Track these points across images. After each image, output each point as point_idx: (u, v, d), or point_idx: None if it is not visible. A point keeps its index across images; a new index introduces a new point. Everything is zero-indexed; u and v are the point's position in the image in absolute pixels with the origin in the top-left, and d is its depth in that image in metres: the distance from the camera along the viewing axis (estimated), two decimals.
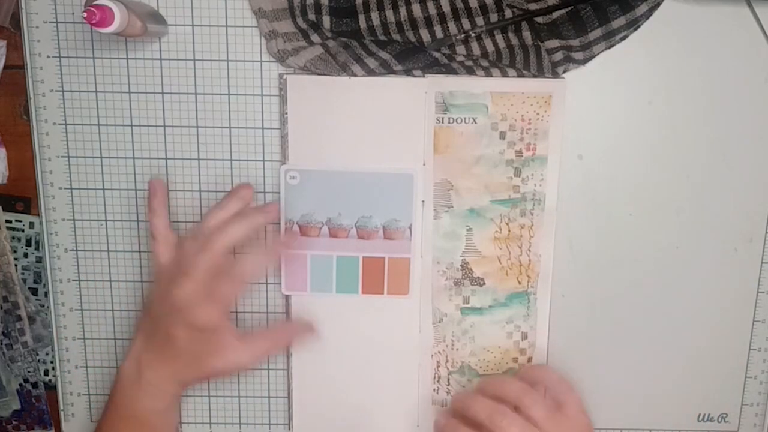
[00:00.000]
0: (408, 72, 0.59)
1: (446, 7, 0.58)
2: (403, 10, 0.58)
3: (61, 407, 0.67)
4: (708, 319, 0.65)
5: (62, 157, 0.62)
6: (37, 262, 0.64)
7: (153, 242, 0.59)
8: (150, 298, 0.60)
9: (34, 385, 0.66)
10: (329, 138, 0.60)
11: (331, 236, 0.62)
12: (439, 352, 0.65)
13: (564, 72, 0.60)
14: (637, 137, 0.61)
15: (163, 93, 0.61)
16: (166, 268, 0.58)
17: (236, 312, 0.65)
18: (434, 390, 0.65)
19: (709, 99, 0.61)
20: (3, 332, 0.64)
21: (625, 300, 0.64)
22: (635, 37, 0.59)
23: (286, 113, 0.60)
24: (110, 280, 0.64)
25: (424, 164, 0.61)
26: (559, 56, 0.59)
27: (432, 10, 0.58)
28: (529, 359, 0.65)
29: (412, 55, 0.58)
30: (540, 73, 0.59)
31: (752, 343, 0.65)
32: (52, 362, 0.66)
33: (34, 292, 0.65)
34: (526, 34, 0.59)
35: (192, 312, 0.55)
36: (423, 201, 0.62)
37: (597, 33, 0.58)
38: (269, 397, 0.66)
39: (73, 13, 0.59)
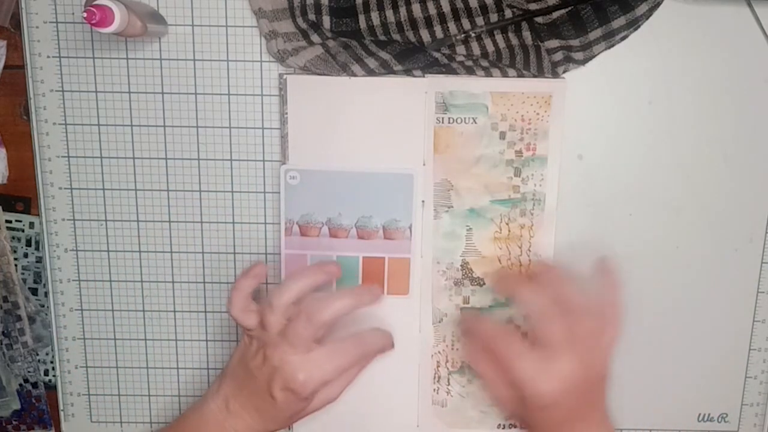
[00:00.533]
0: (408, 72, 0.59)
1: (446, 7, 0.58)
2: (403, 10, 0.58)
3: (61, 407, 0.67)
4: (708, 319, 0.65)
5: (62, 157, 0.62)
6: (37, 262, 0.64)
7: (232, 309, 0.57)
8: (245, 353, 0.58)
9: (34, 385, 0.67)
10: (329, 138, 0.60)
11: (331, 236, 0.62)
12: (439, 352, 0.65)
13: (564, 72, 0.60)
14: (637, 137, 0.61)
15: (163, 93, 0.61)
16: (258, 332, 0.57)
17: None
18: (434, 390, 0.65)
19: (709, 99, 0.61)
20: (3, 332, 0.64)
21: (625, 300, 0.64)
22: (635, 37, 0.59)
23: (286, 113, 0.60)
24: (110, 280, 0.64)
25: (424, 164, 0.61)
26: (559, 56, 0.59)
27: (432, 10, 0.58)
28: None
29: (412, 55, 0.58)
30: (540, 73, 0.59)
31: (752, 343, 0.65)
32: (52, 362, 0.66)
33: (34, 292, 0.65)
34: (526, 34, 0.59)
35: (297, 382, 0.55)
36: (423, 201, 0.62)
37: (597, 33, 0.58)
38: None
39: (73, 13, 0.59)
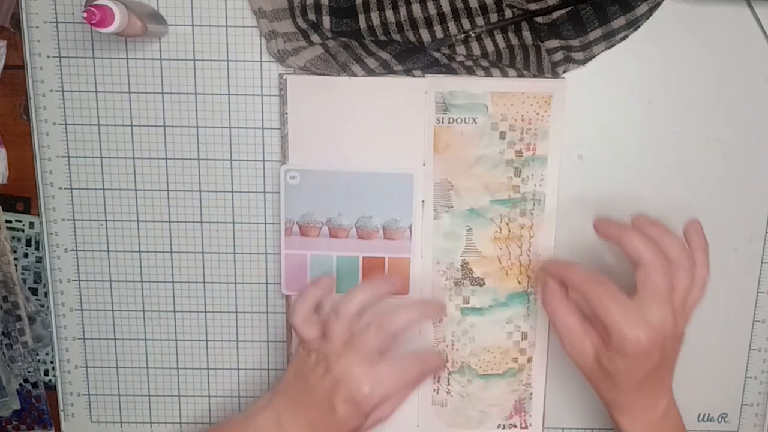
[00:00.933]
0: (408, 72, 0.59)
1: (446, 7, 0.58)
2: (403, 10, 0.58)
3: (61, 407, 0.67)
4: (708, 319, 0.65)
5: (62, 157, 0.62)
6: (37, 262, 0.64)
7: (294, 318, 0.57)
8: (303, 366, 0.57)
9: (34, 385, 0.67)
10: (329, 138, 0.60)
11: (331, 236, 0.62)
12: (439, 352, 0.65)
13: (564, 72, 0.60)
14: (637, 137, 0.61)
15: (163, 93, 0.61)
16: (317, 343, 0.56)
17: (236, 312, 0.65)
18: (434, 390, 0.65)
19: (709, 99, 0.61)
20: (3, 332, 0.64)
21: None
22: (635, 37, 0.59)
23: (286, 113, 0.60)
24: (110, 280, 0.64)
25: (424, 164, 0.61)
26: (559, 56, 0.59)
27: (432, 10, 0.58)
28: (529, 359, 0.65)
29: (412, 55, 0.58)
30: (540, 73, 0.59)
31: (752, 343, 0.65)
32: (52, 362, 0.66)
33: (34, 292, 0.65)
34: (526, 34, 0.59)
35: (361, 394, 0.54)
36: (423, 201, 0.62)
37: (597, 33, 0.58)
38: None
39: (73, 13, 0.59)
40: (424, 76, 0.59)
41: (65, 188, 0.62)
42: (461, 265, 0.63)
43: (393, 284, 0.59)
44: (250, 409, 0.58)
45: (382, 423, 0.58)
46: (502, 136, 0.60)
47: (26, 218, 0.63)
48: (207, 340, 0.66)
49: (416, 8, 0.58)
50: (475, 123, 0.60)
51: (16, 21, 0.59)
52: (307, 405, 0.56)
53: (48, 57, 0.60)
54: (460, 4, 0.58)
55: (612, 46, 0.59)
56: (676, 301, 0.53)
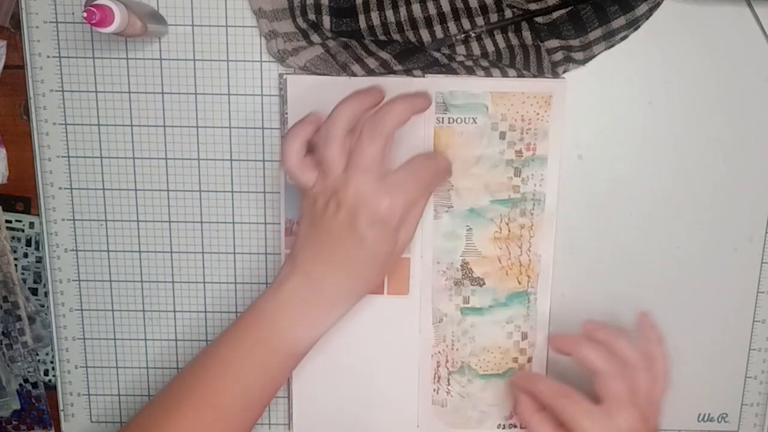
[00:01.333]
0: (408, 72, 0.59)
1: (446, 7, 0.58)
2: (403, 10, 0.58)
3: (61, 407, 0.67)
4: (708, 319, 0.65)
5: (62, 157, 0.62)
6: (37, 262, 0.64)
7: (287, 162, 0.52)
8: (313, 214, 0.53)
9: (34, 385, 0.67)
10: None
11: None
12: (439, 352, 0.65)
13: (564, 72, 0.60)
14: (637, 137, 0.61)
15: (163, 93, 0.61)
16: (319, 185, 0.52)
17: (236, 312, 0.65)
18: (434, 390, 0.65)
19: (709, 99, 0.61)
20: (3, 332, 0.64)
21: (625, 300, 0.64)
22: (635, 37, 0.59)
23: (286, 113, 0.60)
24: (110, 280, 0.64)
25: None
26: (559, 56, 0.59)
27: (432, 10, 0.58)
28: (529, 359, 0.65)
29: (412, 55, 0.58)
30: (540, 73, 0.59)
31: (752, 343, 0.65)
32: (52, 362, 0.66)
33: (34, 292, 0.65)
34: (526, 34, 0.59)
35: (383, 208, 0.50)
36: None
37: (597, 33, 0.58)
38: None
39: (73, 13, 0.59)
40: (424, 76, 0.59)
41: (65, 188, 0.62)
42: (461, 265, 0.63)
43: (376, 93, 0.53)
44: (275, 283, 0.54)
45: (407, 246, 0.55)
46: (502, 136, 0.60)
47: (26, 218, 0.63)
48: (207, 341, 0.65)
49: (416, 8, 0.58)
50: (475, 123, 0.60)
51: (16, 21, 0.59)
52: (334, 251, 0.52)
53: (48, 57, 0.60)
54: (460, 4, 0.58)
55: (612, 46, 0.59)
56: (641, 401, 0.54)
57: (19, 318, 0.64)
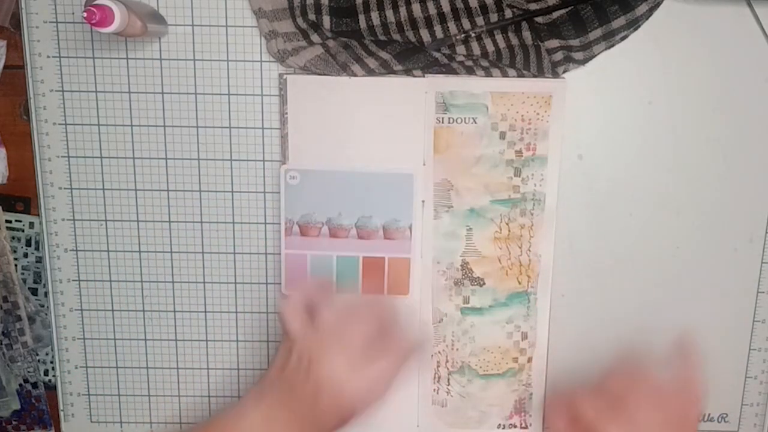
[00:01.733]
0: (408, 72, 0.59)
1: (446, 7, 0.58)
2: (403, 10, 0.58)
3: (61, 407, 0.67)
4: (708, 319, 0.65)
5: (62, 157, 0.62)
6: (37, 262, 0.64)
7: (283, 307, 0.56)
8: (284, 364, 0.56)
9: (34, 385, 0.66)
10: (329, 138, 0.60)
11: (331, 236, 0.62)
12: (439, 352, 0.65)
13: (564, 72, 0.60)
14: (637, 137, 0.61)
15: (163, 93, 0.61)
16: (302, 335, 0.55)
17: (236, 312, 0.65)
18: (434, 390, 0.65)
19: (709, 99, 0.61)
20: (3, 332, 0.64)
21: (625, 300, 0.64)
22: (635, 37, 0.59)
23: (286, 113, 0.60)
24: (110, 280, 0.64)
25: (424, 164, 0.61)
26: (559, 56, 0.59)
27: (432, 10, 0.58)
28: (529, 359, 0.65)
29: (412, 55, 0.58)
30: (540, 73, 0.59)
31: (752, 343, 0.65)
32: (52, 362, 0.66)
33: (34, 292, 0.65)
34: (526, 34, 0.59)
35: (344, 397, 0.53)
36: (423, 201, 0.62)
37: (597, 33, 0.58)
38: None
39: (73, 13, 0.59)
40: (424, 76, 0.59)
41: (65, 188, 0.62)
42: (461, 265, 0.63)
43: (391, 307, 0.58)
44: (237, 408, 0.57)
45: (368, 411, 0.56)
46: (502, 136, 0.60)
47: (26, 218, 0.63)
48: (207, 340, 0.65)
49: (416, 8, 0.58)
50: (475, 123, 0.60)
51: (16, 21, 0.59)
52: (293, 403, 0.54)
53: (48, 57, 0.60)
54: (460, 4, 0.58)
55: (612, 46, 0.59)
56: (675, 424, 0.54)
57: (19, 318, 0.64)
